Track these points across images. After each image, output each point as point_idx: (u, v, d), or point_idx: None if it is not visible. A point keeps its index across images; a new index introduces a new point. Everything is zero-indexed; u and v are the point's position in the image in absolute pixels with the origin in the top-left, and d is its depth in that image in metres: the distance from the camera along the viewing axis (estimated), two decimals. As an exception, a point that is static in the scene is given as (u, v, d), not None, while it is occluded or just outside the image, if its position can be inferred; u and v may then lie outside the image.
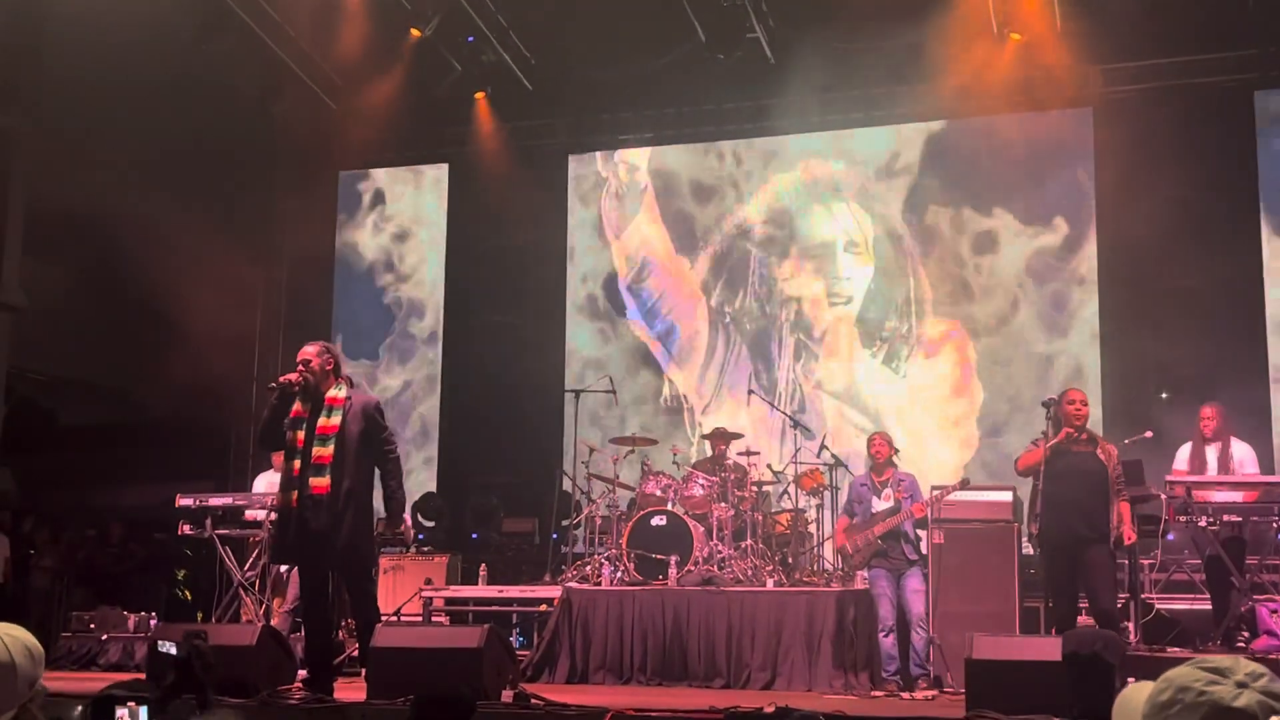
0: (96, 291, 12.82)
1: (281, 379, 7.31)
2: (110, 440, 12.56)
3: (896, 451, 9.45)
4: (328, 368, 7.32)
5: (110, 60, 11.11)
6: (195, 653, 4.27)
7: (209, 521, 10.47)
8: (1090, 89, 13.08)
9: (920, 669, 8.58)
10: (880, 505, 8.97)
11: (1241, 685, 1.85)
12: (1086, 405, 8.21)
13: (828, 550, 10.94)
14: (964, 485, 9.12)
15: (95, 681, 8.87)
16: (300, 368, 7.28)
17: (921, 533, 9.28)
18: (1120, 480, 8.11)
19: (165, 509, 10.97)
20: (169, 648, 4.35)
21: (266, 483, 11.35)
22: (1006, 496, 9.51)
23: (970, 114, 13.47)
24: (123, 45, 11.05)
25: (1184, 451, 9.53)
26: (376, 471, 7.36)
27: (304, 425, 7.20)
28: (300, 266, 15.19)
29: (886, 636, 8.69)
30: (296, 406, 7.25)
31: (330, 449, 7.12)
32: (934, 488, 9.38)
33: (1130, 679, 6.23)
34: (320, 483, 7.07)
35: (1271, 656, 7.91)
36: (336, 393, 7.27)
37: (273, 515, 10.27)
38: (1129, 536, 8.21)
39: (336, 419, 7.18)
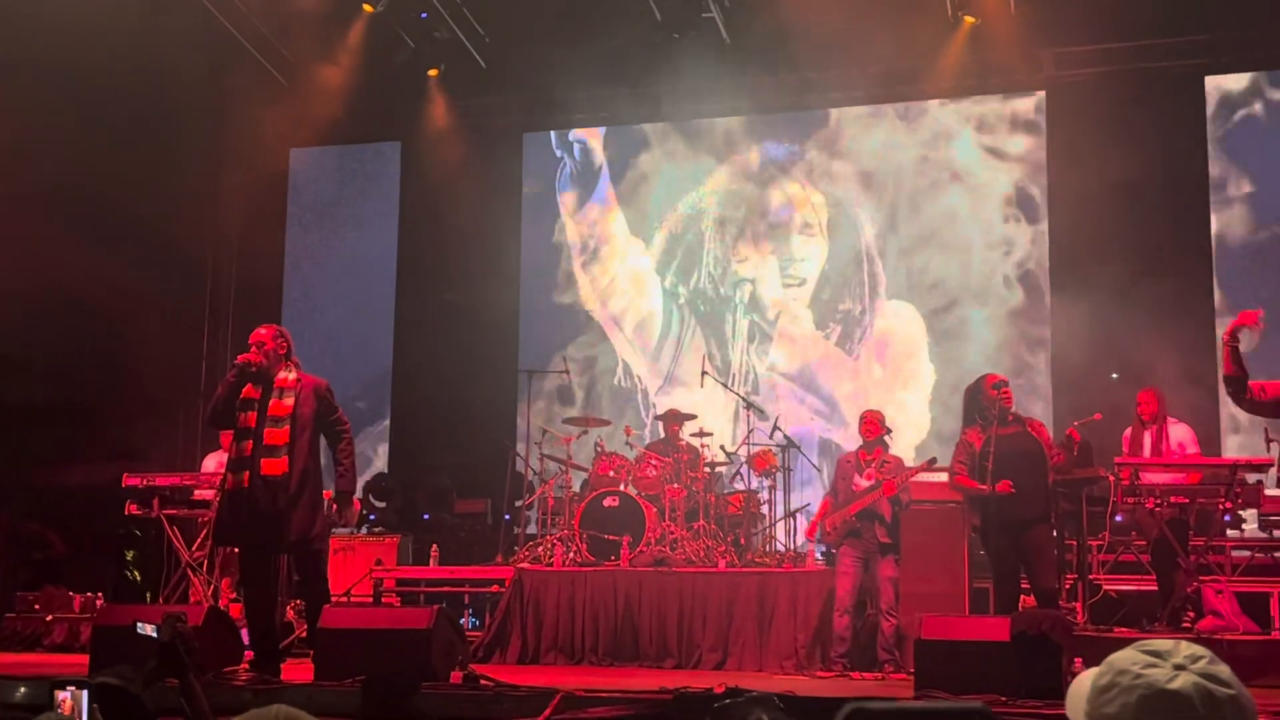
0: (39, 269, 12.62)
1: (240, 358, 7.25)
2: (55, 420, 12.38)
3: (889, 431, 9.20)
4: (280, 351, 7.32)
5: (57, 33, 10.92)
6: (178, 636, 4.21)
7: (156, 501, 10.37)
8: (1043, 72, 13.15)
9: (887, 654, 8.55)
10: (862, 483, 8.87)
11: (1179, 668, 1.84)
12: (1007, 388, 8.24)
13: (780, 531, 10.97)
14: (931, 465, 9.09)
15: (39, 664, 8.77)
16: (254, 348, 7.23)
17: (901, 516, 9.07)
18: (1050, 448, 8.16)
19: (112, 489, 10.85)
20: (149, 631, 4.28)
21: (216, 462, 11.24)
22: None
23: (924, 96, 13.53)
24: (70, 19, 10.87)
25: (1127, 434, 9.66)
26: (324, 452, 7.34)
27: (255, 406, 7.17)
28: (250, 244, 15.03)
29: (841, 617, 8.65)
30: (248, 387, 7.21)
31: (285, 429, 7.10)
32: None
33: (1078, 659, 6.30)
34: (274, 464, 7.04)
35: (1217, 636, 8.00)
36: (286, 374, 7.26)
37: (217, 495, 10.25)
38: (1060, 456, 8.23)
39: (290, 400, 7.17)
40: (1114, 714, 1.85)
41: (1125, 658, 1.88)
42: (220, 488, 7.41)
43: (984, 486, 8.00)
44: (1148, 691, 1.83)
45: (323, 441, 7.40)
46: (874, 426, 9.04)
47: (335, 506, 7.41)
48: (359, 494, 11.56)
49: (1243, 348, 7.19)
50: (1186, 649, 1.87)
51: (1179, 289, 12.17)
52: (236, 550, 9.90)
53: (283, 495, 7.04)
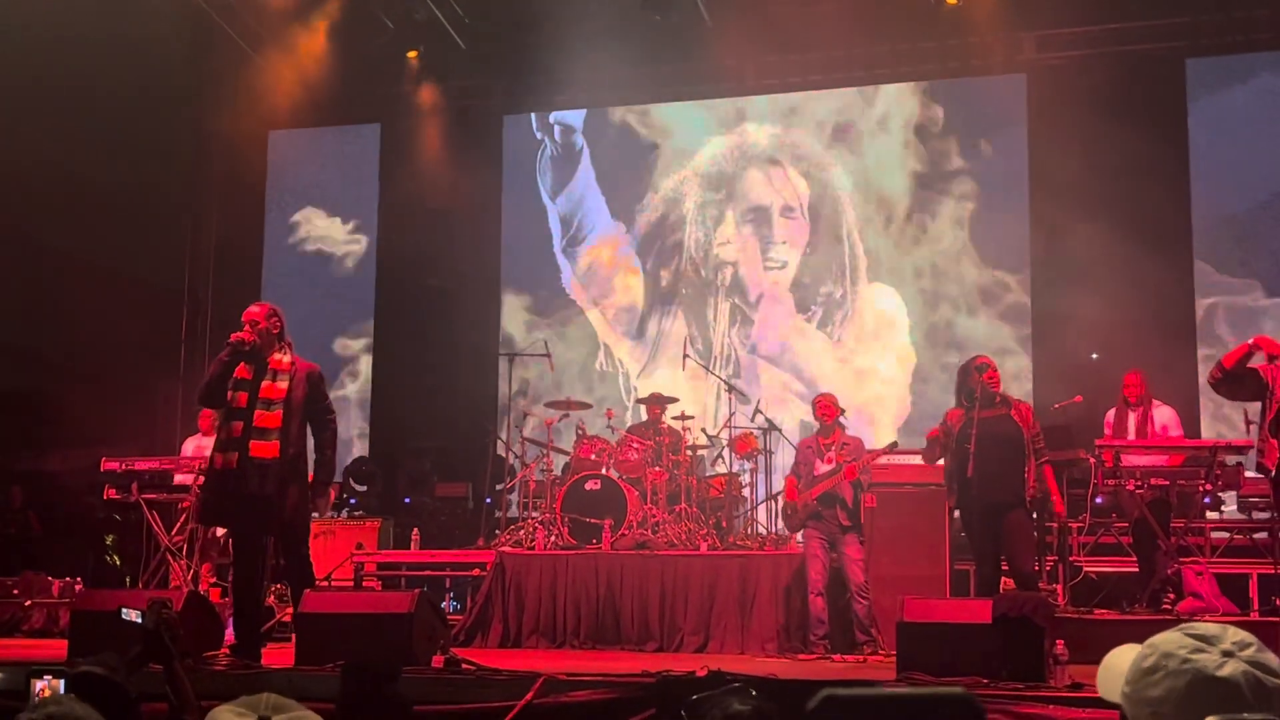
0: (16, 250, 12.53)
1: (234, 337, 7.17)
2: (32, 404, 12.31)
3: (843, 413, 9.26)
4: (274, 331, 7.23)
5: (31, 15, 10.82)
6: (163, 623, 4.17)
7: (135, 486, 10.31)
8: (1024, 55, 13.16)
9: (864, 635, 8.56)
10: (823, 468, 8.88)
11: (1227, 654, 1.82)
12: (990, 370, 8.23)
13: (762, 514, 10.97)
14: (892, 449, 9.12)
15: (18, 649, 8.73)
16: (247, 327, 7.16)
17: (864, 498, 9.10)
18: (1039, 440, 8.11)
19: (90, 473, 10.79)
20: (134, 616, 4.24)
21: (194, 446, 11.19)
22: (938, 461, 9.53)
23: (905, 79, 13.54)
24: (48, 2, 10.78)
25: (1110, 416, 9.67)
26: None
27: (247, 387, 7.10)
28: (229, 226, 14.95)
29: (816, 599, 8.68)
30: (240, 366, 7.14)
31: (278, 413, 7.03)
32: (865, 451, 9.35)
33: (1059, 641, 6.30)
34: (265, 446, 6.98)
35: (1196, 618, 8.04)
36: (281, 357, 7.17)
37: (201, 476, 10.19)
38: (1059, 506, 8.25)
39: (283, 384, 7.09)
40: (1158, 697, 1.82)
41: (1172, 640, 1.86)
42: (208, 467, 7.32)
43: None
44: (1196, 677, 1.80)
45: None
46: (829, 410, 9.06)
47: (311, 493, 7.35)
48: (339, 477, 11.52)
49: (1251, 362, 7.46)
50: (1234, 634, 1.85)
51: (1160, 270, 12.18)
52: (217, 534, 9.92)
53: (272, 479, 6.98)
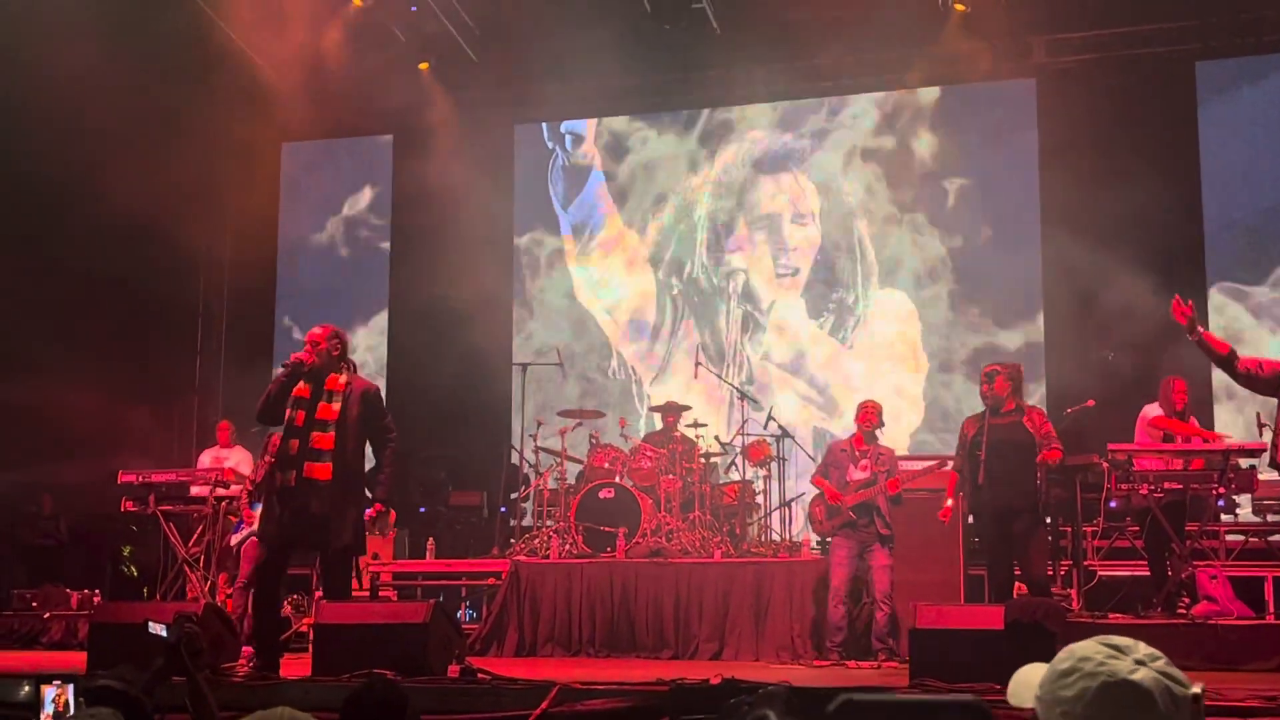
0: (34, 266, 12.62)
1: (293, 357, 7.23)
2: (49, 416, 12.38)
3: (882, 424, 9.20)
4: (334, 353, 7.28)
5: (49, 31, 10.90)
6: (186, 637, 4.22)
7: (152, 497, 10.38)
8: (1034, 60, 13.17)
9: (881, 643, 8.57)
10: (857, 474, 8.86)
11: (1140, 663, 1.88)
12: (996, 380, 8.24)
13: (775, 521, 10.99)
14: (940, 468, 9.10)
15: (38, 660, 8.79)
16: (308, 347, 7.21)
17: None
18: (1049, 438, 8.13)
19: (107, 485, 10.86)
20: (160, 630, 4.29)
21: (211, 458, 11.27)
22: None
23: (915, 85, 13.56)
24: (61, 16, 10.85)
25: (1150, 411, 9.48)
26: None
27: (305, 406, 7.15)
28: (243, 239, 15.02)
29: (837, 607, 8.68)
30: (300, 385, 7.19)
31: (331, 435, 7.06)
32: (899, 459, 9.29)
33: (1067, 647, 6.32)
34: (319, 468, 7.00)
35: (1211, 621, 8.04)
36: (338, 377, 7.22)
37: (219, 488, 10.25)
38: (1056, 453, 8.16)
39: (337, 404, 7.13)
40: (1071, 697, 1.88)
41: (1087, 646, 1.92)
42: (268, 481, 7.37)
43: (947, 512, 8.27)
44: (1110, 679, 1.86)
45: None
46: (871, 417, 9.04)
47: (372, 513, 7.36)
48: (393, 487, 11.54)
49: (1193, 337, 7.28)
50: (1145, 648, 1.92)
51: (1171, 272, 12.17)
52: (230, 545, 9.96)
53: (326, 501, 7.01)
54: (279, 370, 7.38)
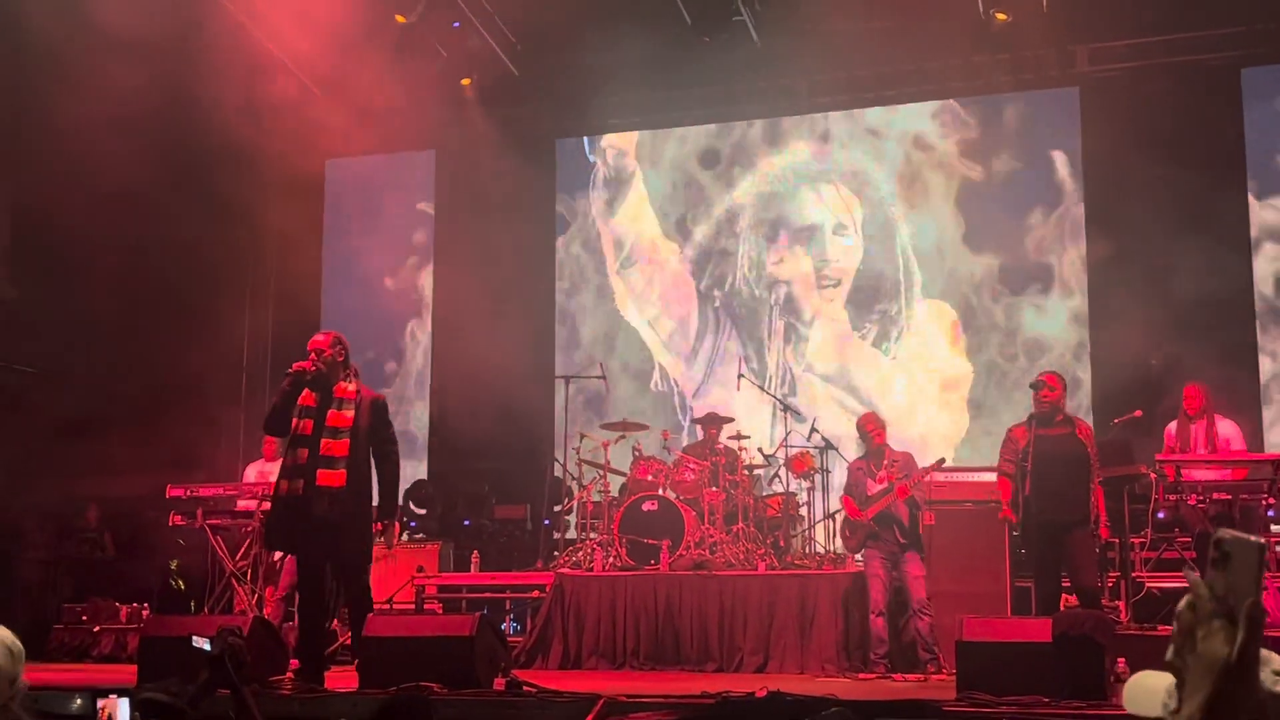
0: (82, 282, 12.76)
1: (295, 366, 7.25)
2: (99, 431, 12.51)
3: (882, 428, 9.17)
4: (339, 359, 7.30)
5: (93, 52, 11.03)
6: (229, 650, 4.27)
7: (200, 512, 10.47)
8: (1077, 68, 13.09)
9: (928, 653, 8.53)
10: (875, 488, 8.87)
11: (1277, 674, 1.84)
12: (1055, 390, 8.20)
13: (819, 533, 10.96)
14: (939, 466, 9.08)
15: (88, 674, 8.88)
16: (312, 356, 7.24)
17: (921, 516, 8.96)
18: (1095, 460, 8.10)
19: (155, 499, 10.96)
20: (203, 644, 4.35)
21: (257, 472, 11.35)
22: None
23: (957, 95, 13.51)
24: (105, 36, 10.98)
25: (1171, 428, 9.56)
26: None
27: (312, 414, 7.17)
28: (287, 254, 15.13)
29: (878, 619, 8.66)
30: (305, 394, 7.22)
31: (345, 442, 7.09)
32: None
33: (1121, 659, 6.26)
34: (332, 475, 7.03)
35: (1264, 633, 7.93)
36: (347, 385, 7.24)
37: (265, 502, 10.32)
38: (1103, 531, 8.15)
39: (349, 412, 7.15)
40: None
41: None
42: (274, 493, 7.40)
43: (1009, 513, 8.15)
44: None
45: None
46: (876, 431, 9.04)
47: (378, 527, 7.40)
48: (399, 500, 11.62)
49: None
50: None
51: (1219, 284, 12.07)
52: (279, 558, 10.04)
53: (338, 508, 7.04)
54: (283, 380, 7.39)
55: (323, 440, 7.08)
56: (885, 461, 8.92)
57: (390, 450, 7.35)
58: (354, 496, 7.08)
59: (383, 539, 7.56)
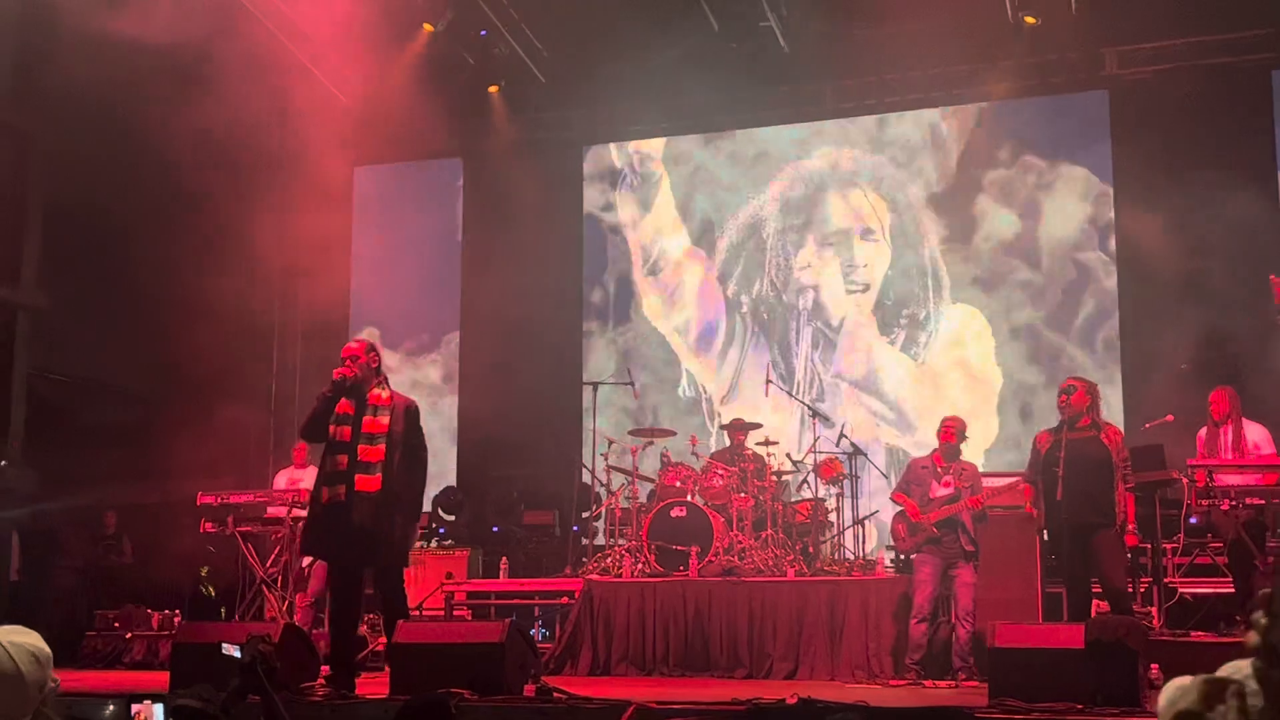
0: (114, 290, 12.86)
1: (335, 373, 7.34)
2: (131, 438, 12.60)
3: (965, 439, 9.09)
4: (372, 365, 7.39)
5: (123, 59, 11.12)
6: (259, 657, 4.31)
7: (231, 519, 10.52)
8: (1106, 71, 13.04)
9: (962, 661, 8.48)
10: (940, 491, 8.77)
11: None
12: (1075, 394, 8.16)
13: (849, 539, 10.92)
14: (1011, 487, 9.00)
15: (121, 680, 8.93)
16: (348, 362, 7.31)
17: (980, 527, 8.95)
18: (1126, 465, 8.04)
19: (186, 506, 11.02)
20: (233, 651, 4.39)
21: (287, 479, 11.40)
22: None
23: (985, 99, 13.46)
24: (135, 44, 11.06)
25: (1202, 433, 9.51)
26: None
27: (349, 421, 7.24)
28: (317, 262, 15.20)
29: (919, 624, 8.58)
30: (341, 401, 7.29)
31: (381, 448, 7.16)
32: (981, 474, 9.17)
33: (1154, 664, 6.23)
34: (370, 480, 7.10)
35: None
36: (380, 391, 7.31)
37: (295, 509, 10.38)
38: (1131, 537, 8.09)
39: (384, 418, 7.23)
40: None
41: (1246, 664, 1.90)
42: (313, 500, 7.45)
43: (1031, 509, 8.18)
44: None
45: None
46: (952, 433, 8.94)
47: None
48: (426, 507, 11.65)
49: None
50: None
51: (1249, 284, 11.98)
52: (308, 565, 10.08)
53: (378, 511, 7.11)
54: (324, 388, 7.46)
55: (359, 446, 7.16)
56: (955, 469, 8.83)
57: (420, 455, 7.40)
58: (387, 501, 7.13)
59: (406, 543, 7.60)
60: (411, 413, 7.40)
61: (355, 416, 7.24)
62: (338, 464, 7.19)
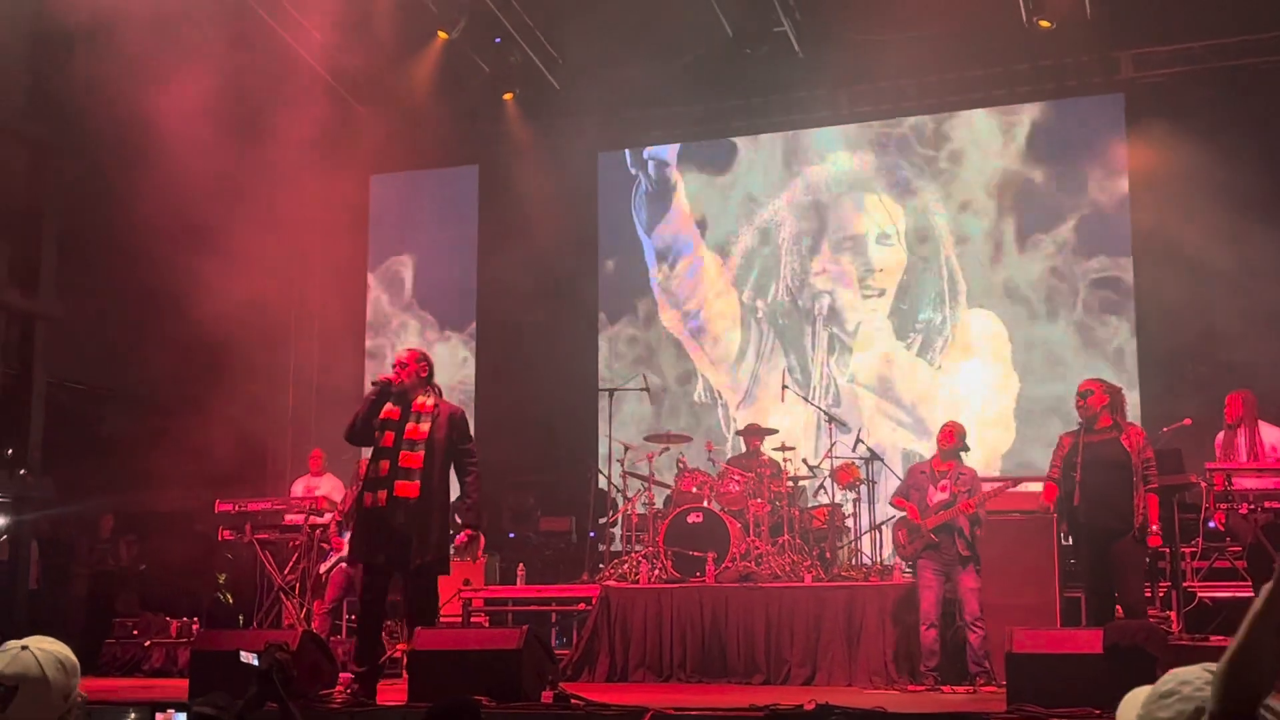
0: (131, 299, 12.91)
1: (381, 378, 7.43)
2: (149, 448, 12.64)
3: (967, 449, 9.10)
4: (421, 374, 7.46)
5: (140, 69, 11.17)
6: (276, 665, 4.34)
7: (249, 526, 10.56)
8: (1122, 74, 13.00)
9: (978, 666, 8.47)
10: (937, 496, 8.77)
11: None
12: (1091, 396, 8.13)
13: (866, 544, 10.91)
14: (1011, 487, 9.00)
15: (140, 687, 8.97)
16: (397, 368, 7.37)
17: (979, 531, 8.93)
18: (1149, 467, 7.99)
19: (204, 513, 11.05)
20: (251, 659, 4.42)
21: (304, 487, 11.44)
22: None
23: (1000, 103, 13.44)
24: (152, 54, 11.11)
25: (1220, 437, 9.50)
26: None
27: (394, 427, 7.29)
28: (333, 269, 15.26)
29: (928, 630, 8.59)
30: (387, 407, 7.34)
31: (420, 454, 7.21)
32: (980, 479, 9.19)
33: (1172, 670, 6.20)
34: (408, 486, 7.15)
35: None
36: (425, 399, 7.36)
37: (313, 516, 10.41)
38: (1153, 539, 8.03)
39: (426, 425, 7.28)
40: (1168, 719, 1.90)
41: (1191, 671, 1.95)
42: (357, 505, 7.52)
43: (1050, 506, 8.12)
44: (1202, 705, 1.88)
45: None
46: (951, 438, 8.96)
47: (462, 539, 7.45)
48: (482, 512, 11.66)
49: None
50: None
51: (1269, 289, 11.94)
52: (325, 571, 10.10)
53: (415, 518, 7.14)
54: (368, 390, 7.52)
55: (401, 452, 7.21)
56: (952, 473, 8.83)
57: (470, 462, 7.42)
58: (425, 507, 7.16)
59: (467, 552, 7.63)
60: (456, 419, 7.43)
61: (399, 423, 7.31)
62: (380, 469, 7.26)
